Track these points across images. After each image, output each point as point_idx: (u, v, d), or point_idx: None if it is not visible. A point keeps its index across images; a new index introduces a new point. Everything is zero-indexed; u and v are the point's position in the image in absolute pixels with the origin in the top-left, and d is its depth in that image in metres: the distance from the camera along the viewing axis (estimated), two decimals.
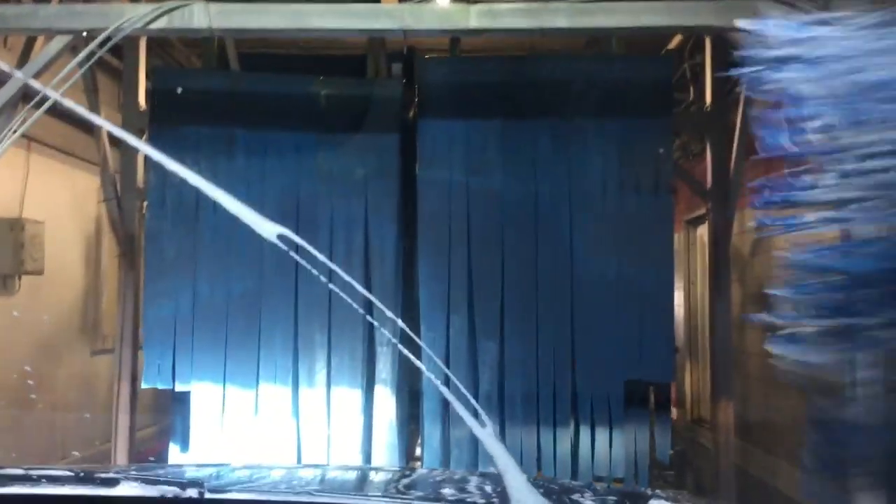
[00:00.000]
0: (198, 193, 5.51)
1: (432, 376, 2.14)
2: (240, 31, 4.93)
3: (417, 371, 5.72)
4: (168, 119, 5.61)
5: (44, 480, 1.85)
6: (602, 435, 5.53)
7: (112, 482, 1.82)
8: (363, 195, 5.66)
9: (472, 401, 1.98)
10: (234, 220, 5.62)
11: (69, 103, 2.40)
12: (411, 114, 5.95)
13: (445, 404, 5.56)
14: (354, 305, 2.20)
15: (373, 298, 2.18)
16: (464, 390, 2.02)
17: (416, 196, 5.65)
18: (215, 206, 5.43)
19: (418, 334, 5.56)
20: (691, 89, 7.54)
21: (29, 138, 7.28)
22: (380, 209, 5.64)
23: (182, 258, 5.60)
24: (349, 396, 5.59)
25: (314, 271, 2.00)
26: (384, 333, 5.55)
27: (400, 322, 2.40)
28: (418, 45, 6.32)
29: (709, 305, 6.98)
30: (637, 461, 5.52)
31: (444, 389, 2.02)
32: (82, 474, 1.93)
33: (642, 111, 5.50)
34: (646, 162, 5.51)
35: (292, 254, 2.00)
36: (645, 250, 5.49)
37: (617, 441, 5.55)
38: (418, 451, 5.84)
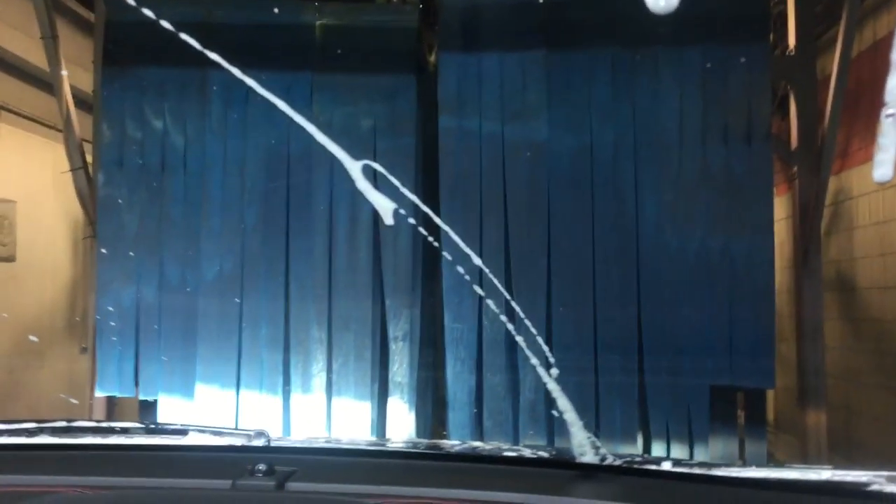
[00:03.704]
0: (163, 151, 4.14)
1: None
2: None
3: (440, 374, 4.31)
4: (126, 59, 4.17)
5: (115, 432, 1.84)
6: (680, 453, 4.02)
7: (181, 432, 1.82)
8: (371, 152, 4.19)
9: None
10: (207, 185, 3.94)
11: None
12: (432, 52, 4.46)
13: (477, 416, 4.10)
14: None
15: None
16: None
17: (438, 153, 4.17)
18: (185, 167, 4.06)
19: (441, 325, 4.10)
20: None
21: None
22: (392, 169, 4.14)
23: (144, 234, 4.20)
24: (356, 407, 4.15)
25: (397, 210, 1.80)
26: (399, 325, 4.11)
27: None
28: None
29: (794, 289, 5.41)
30: None
31: None
32: (152, 426, 1.97)
33: (730, 36, 3.98)
34: (736, 102, 4.00)
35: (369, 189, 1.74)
36: (736, 217, 3.99)
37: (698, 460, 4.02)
38: None
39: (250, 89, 4.15)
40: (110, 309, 4.18)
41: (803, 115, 5.19)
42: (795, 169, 5.26)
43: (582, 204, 4.05)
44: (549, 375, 3.52)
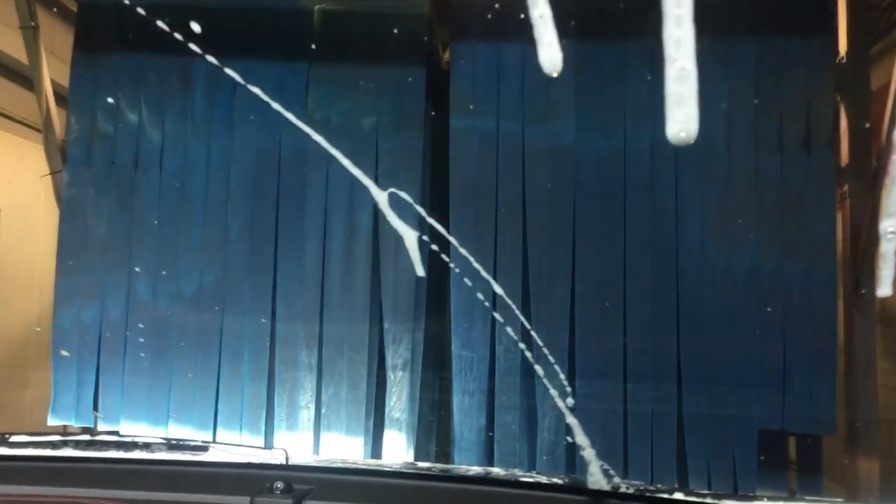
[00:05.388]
0: (137, 148, 3.57)
1: None
2: None
3: (446, 410, 3.70)
4: (99, 45, 3.63)
5: (137, 446, 1.86)
6: None
7: (202, 448, 1.86)
8: (373, 154, 3.62)
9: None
10: (187, 188, 3.28)
11: None
12: (445, 44, 3.90)
13: (487, 457, 3.47)
14: None
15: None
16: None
17: (448, 155, 3.58)
18: (161, 166, 3.48)
19: (447, 353, 3.50)
20: None
21: None
22: (396, 174, 3.59)
23: (112, 242, 3.63)
24: (347, 445, 3.52)
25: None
26: (399, 352, 3.50)
27: None
28: None
29: (844, 320, 4.78)
30: None
31: None
32: (174, 441, 1.96)
33: (787, 26, 3.38)
34: (794, 102, 3.39)
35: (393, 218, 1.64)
36: (792, 236, 3.35)
37: None
38: None
39: (240, 80, 3.62)
40: (69, 327, 3.59)
41: (855, 130, 4.60)
42: (846, 187, 4.67)
43: (613, 216, 3.44)
44: (569, 412, 2.88)
